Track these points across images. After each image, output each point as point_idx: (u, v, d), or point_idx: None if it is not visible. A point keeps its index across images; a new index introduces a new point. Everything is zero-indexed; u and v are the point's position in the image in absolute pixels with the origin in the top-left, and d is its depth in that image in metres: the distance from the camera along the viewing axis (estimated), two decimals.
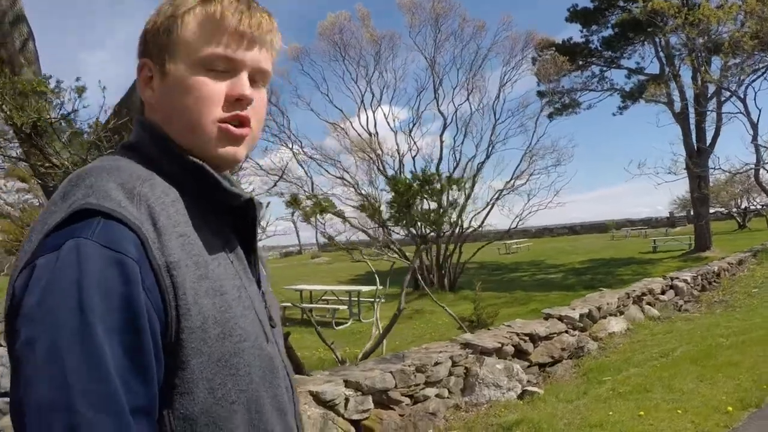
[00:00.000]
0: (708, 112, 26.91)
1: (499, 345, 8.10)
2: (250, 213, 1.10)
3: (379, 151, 24.82)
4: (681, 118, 28.06)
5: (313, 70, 26.48)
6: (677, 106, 27.58)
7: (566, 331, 9.52)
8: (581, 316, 10.05)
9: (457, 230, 24.40)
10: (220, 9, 1.06)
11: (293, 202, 11.09)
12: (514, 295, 21.59)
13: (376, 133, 25.66)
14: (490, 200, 25.28)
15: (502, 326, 9.32)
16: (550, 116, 33.25)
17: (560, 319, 9.74)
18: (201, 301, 0.94)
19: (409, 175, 23.06)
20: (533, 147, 26.04)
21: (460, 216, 24.15)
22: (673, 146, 45.36)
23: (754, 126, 22.63)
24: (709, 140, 27.88)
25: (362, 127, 26.01)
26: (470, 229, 24.93)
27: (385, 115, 27.10)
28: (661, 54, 27.83)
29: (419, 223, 19.52)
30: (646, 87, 26.27)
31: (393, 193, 20.27)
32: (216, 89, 1.06)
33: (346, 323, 18.38)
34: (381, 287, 20.54)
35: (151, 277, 0.89)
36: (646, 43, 29.76)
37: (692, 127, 28.39)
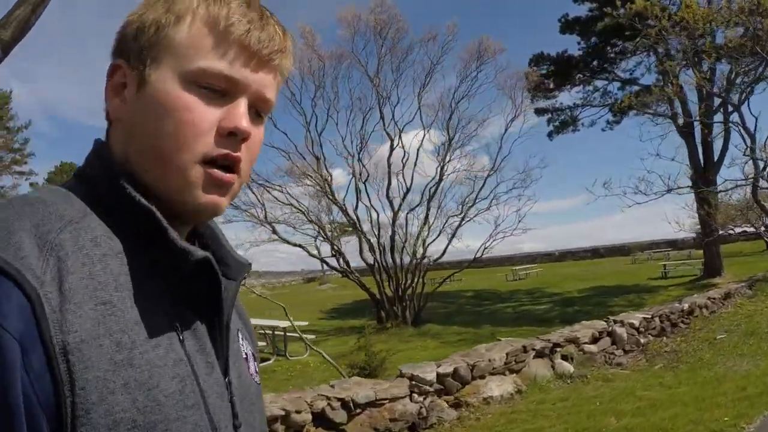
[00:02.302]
0: (714, 125, 24.23)
1: (284, 413, 6.29)
2: (209, 279, 0.83)
3: (327, 176, 22.61)
4: (685, 132, 25.51)
5: None
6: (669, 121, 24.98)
7: (409, 396, 7.50)
8: (441, 376, 8.07)
9: (413, 260, 22.10)
10: (226, 12, 0.82)
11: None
12: (479, 332, 19.27)
13: (324, 157, 23.57)
14: (443, 227, 23.03)
15: (322, 385, 7.56)
16: (550, 135, 31.23)
17: (411, 379, 7.74)
18: (113, 398, 0.67)
19: None
20: (497, 168, 23.69)
21: (415, 245, 22.02)
22: (645, 162, 40.52)
23: (752, 136, 19.73)
24: (716, 156, 25.30)
25: (309, 150, 23.67)
26: (424, 259, 22.57)
27: (342, 138, 24.58)
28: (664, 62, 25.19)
29: None
30: (638, 99, 23.63)
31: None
32: (207, 116, 0.81)
33: (269, 360, 16.48)
34: (306, 322, 18.74)
35: (41, 360, 0.65)
36: (650, 53, 27.26)
37: (698, 141, 25.79)
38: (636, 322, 11.76)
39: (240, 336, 0.98)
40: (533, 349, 9.44)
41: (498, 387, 8.50)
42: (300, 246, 21.87)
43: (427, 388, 7.77)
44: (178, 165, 0.79)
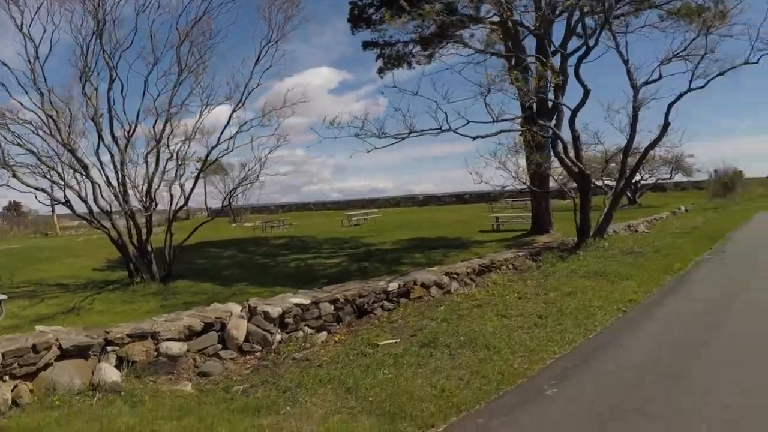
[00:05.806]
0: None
1: None
2: None
3: (53, 112, 18.57)
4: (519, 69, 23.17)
5: None
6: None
7: None
8: None
9: (148, 208, 18.89)
10: None
11: None
12: (225, 291, 16.47)
13: (50, 92, 18.16)
14: (178, 170, 19.62)
15: None
16: (381, 71, 28.47)
17: None
18: None
19: None
20: (243, 103, 20.31)
21: (149, 190, 18.79)
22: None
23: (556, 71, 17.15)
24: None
25: (32, 84, 18.24)
26: (155, 207, 19.36)
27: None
28: None
29: None
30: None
31: None
32: None
33: None
34: None
35: None
36: None
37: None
38: (275, 312, 9.04)
39: None
40: (45, 348, 6.81)
41: None
42: (42, 190, 18.26)
43: None
44: None
